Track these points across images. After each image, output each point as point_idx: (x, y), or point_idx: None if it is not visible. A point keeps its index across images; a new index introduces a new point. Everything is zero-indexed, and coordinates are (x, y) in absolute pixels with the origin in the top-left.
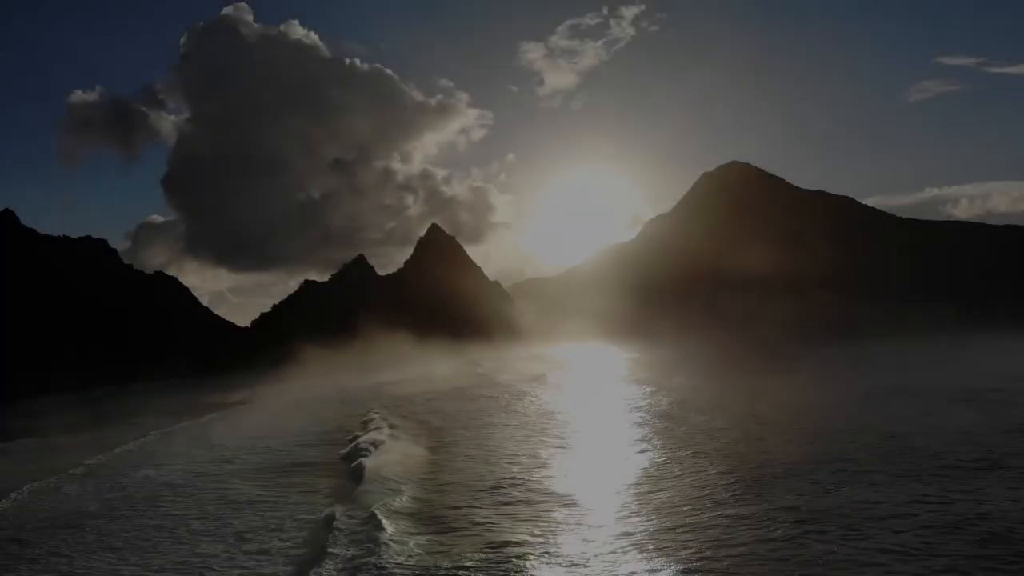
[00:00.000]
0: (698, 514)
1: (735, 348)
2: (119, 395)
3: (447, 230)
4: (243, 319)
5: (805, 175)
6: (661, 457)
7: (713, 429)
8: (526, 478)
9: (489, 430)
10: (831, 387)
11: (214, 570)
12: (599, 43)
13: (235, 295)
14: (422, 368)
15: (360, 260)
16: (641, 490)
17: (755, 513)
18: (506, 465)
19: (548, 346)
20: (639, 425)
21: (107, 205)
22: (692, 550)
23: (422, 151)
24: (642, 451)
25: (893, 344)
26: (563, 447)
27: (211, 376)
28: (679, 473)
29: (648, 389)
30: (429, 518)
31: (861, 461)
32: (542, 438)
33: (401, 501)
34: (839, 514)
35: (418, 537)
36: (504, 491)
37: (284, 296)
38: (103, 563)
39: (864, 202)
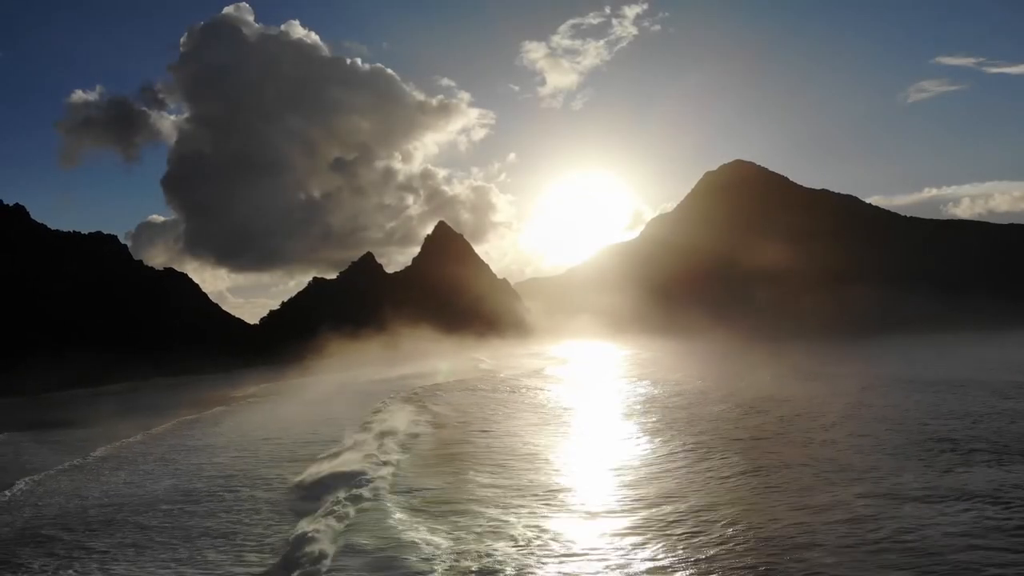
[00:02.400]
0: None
1: (755, 343)
2: (142, 389)
3: None
4: (245, 319)
5: (805, 175)
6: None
7: (732, 416)
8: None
9: (517, 421)
10: (870, 379)
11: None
12: (601, 42)
13: (234, 295)
14: (439, 363)
15: (368, 257)
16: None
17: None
18: (513, 454)
19: (563, 342)
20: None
21: (108, 205)
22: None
23: (423, 151)
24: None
25: (913, 339)
26: (581, 439)
27: (231, 371)
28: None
29: (691, 383)
30: (436, 509)
31: (959, 443)
32: (566, 431)
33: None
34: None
35: (424, 526)
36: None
37: (284, 296)
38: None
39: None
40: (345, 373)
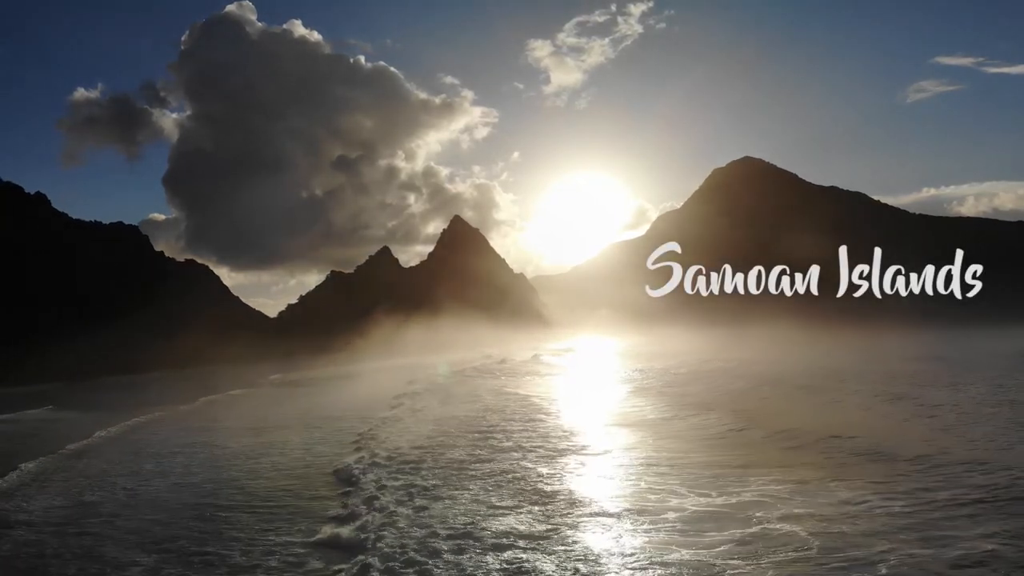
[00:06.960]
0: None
1: (775, 338)
2: (182, 377)
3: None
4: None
5: (806, 174)
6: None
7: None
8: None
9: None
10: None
11: None
12: (606, 40)
13: (234, 295)
14: (471, 352)
15: (385, 251)
16: None
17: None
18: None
19: (592, 335)
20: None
21: (109, 203)
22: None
23: (425, 149)
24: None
25: (938, 335)
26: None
27: (262, 361)
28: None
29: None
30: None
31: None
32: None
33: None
34: None
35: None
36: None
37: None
38: None
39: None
40: (377, 360)
